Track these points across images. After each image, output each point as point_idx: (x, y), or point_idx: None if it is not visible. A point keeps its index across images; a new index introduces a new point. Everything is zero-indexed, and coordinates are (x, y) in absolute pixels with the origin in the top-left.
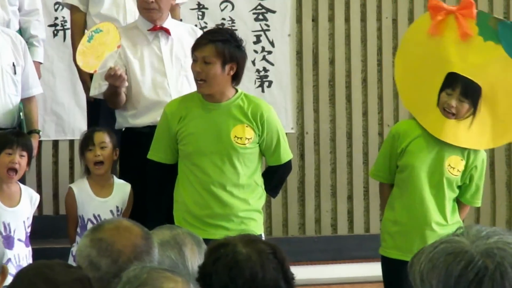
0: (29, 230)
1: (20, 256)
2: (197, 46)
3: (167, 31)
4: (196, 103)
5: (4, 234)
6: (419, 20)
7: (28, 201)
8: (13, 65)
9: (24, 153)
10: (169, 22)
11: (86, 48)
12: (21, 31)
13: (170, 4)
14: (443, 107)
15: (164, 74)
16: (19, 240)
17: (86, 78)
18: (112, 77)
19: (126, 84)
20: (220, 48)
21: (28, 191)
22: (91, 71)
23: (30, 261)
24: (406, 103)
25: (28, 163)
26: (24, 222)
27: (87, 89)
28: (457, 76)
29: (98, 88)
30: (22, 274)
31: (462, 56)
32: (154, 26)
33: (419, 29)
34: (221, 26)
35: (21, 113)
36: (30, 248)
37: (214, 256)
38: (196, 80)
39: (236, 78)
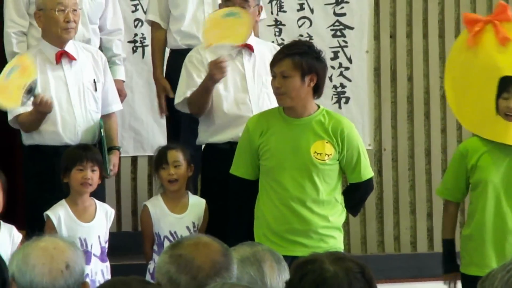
0: (106, 245)
1: (93, 271)
2: (275, 61)
3: (250, 48)
4: (277, 118)
5: (81, 249)
6: (458, 39)
7: (103, 216)
8: (94, 81)
9: (96, 168)
10: (252, 39)
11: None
12: (102, 50)
13: (254, 21)
14: (504, 113)
15: (246, 91)
16: (95, 255)
17: (160, 95)
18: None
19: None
20: (297, 61)
21: (103, 206)
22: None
23: (108, 276)
24: (466, 125)
25: (100, 177)
26: (99, 237)
27: (160, 106)
28: (510, 79)
29: (183, 96)
30: None
31: (508, 59)
32: None
33: (460, 48)
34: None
35: (102, 130)
36: (107, 264)
37: (301, 272)
38: (276, 95)
39: (317, 90)
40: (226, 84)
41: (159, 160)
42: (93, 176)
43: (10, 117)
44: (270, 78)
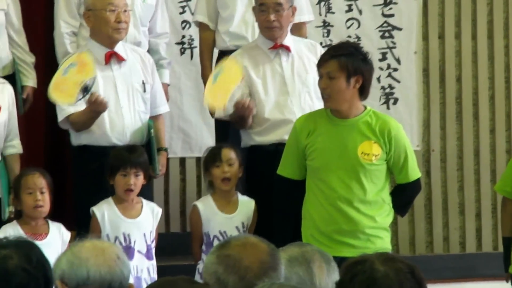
0: (152, 244)
1: (139, 267)
2: (321, 62)
3: (287, 48)
4: (324, 118)
5: (124, 244)
6: None
7: (149, 214)
8: (143, 83)
9: (140, 172)
10: (288, 39)
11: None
12: (149, 52)
13: (289, 22)
14: None
15: (287, 92)
16: (139, 252)
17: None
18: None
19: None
20: (343, 62)
21: (149, 204)
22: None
23: (154, 275)
24: None
25: (145, 178)
26: (144, 234)
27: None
28: None
29: (223, 112)
30: None
31: None
32: (275, 44)
33: None
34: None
35: (151, 130)
36: (154, 262)
37: (351, 273)
38: (323, 96)
39: (363, 91)
40: (266, 88)
41: (212, 158)
42: (136, 181)
43: (60, 117)
44: (310, 76)
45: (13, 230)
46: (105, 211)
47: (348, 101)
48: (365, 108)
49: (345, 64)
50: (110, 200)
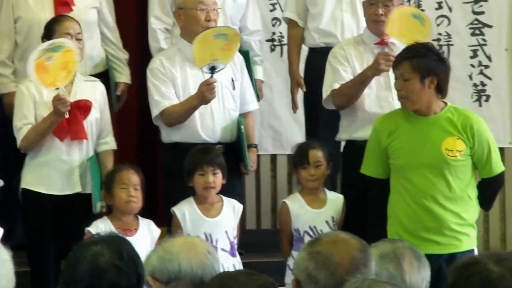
0: (235, 240)
1: (225, 265)
2: (395, 63)
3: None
4: (405, 117)
5: None
6: None
7: (230, 211)
8: (232, 80)
9: (217, 170)
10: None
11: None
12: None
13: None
14: None
15: (390, 88)
16: (223, 249)
17: (294, 90)
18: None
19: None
20: (415, 64)
21: (230, 201)
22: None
23: None
24: None
25: (224, 177)
26: (226, 232)
27: (292, 101)
28: None
29: (330, 89)
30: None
31: None
32: (382, 40)
33: None
34: (430, 43)
35: (241, 127)
36: (238, 259)
37: (465, 274)
38: (399, 98)
39: (440, 90)
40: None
41: (300, 160)
42: (215, 179)
43: (155, 112)
44: None
45: (104, 226)
46: (185, 211)
47: (425, 101)
48: (446, 104)
49: (418, 65)
50: (191, 200)
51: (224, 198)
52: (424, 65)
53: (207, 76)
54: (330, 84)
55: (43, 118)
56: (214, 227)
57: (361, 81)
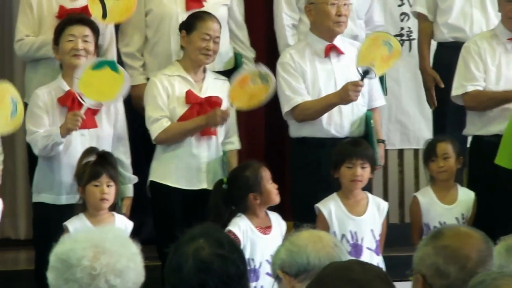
0: (378, 238)
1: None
2: None
3: None
4: None
5: (351, 242)
6: None
7: (375, 210)
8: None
9: (366, 164)
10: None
11: None
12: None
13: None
14: None
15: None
16: (368, 248)
17: (430, 86)
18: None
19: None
20: None
21: (375, 200)
22: None
23: None
24: None
25: (372, 171)
26: (372, 230)
27: (430, 97)
28: None
29: (461, 88)
30: (323, 277)
31: None
32: None
33: None
34: None
35: (371, 121)
36: (381, 257)
37: None
38: None
39: None
40: (498, 77)
41: (428, 153)
42: (363, 173)
43: (287, 108)
44: None
45: (243, 224)
46: (331, 208)
47: None
48: None
49: None
50: (335, 196)
51: (370, 195)
52: None
53: (338, 71)
54: (461, 83)
55: (191, 120)
56: (359, 226)
57: (506, 99)
